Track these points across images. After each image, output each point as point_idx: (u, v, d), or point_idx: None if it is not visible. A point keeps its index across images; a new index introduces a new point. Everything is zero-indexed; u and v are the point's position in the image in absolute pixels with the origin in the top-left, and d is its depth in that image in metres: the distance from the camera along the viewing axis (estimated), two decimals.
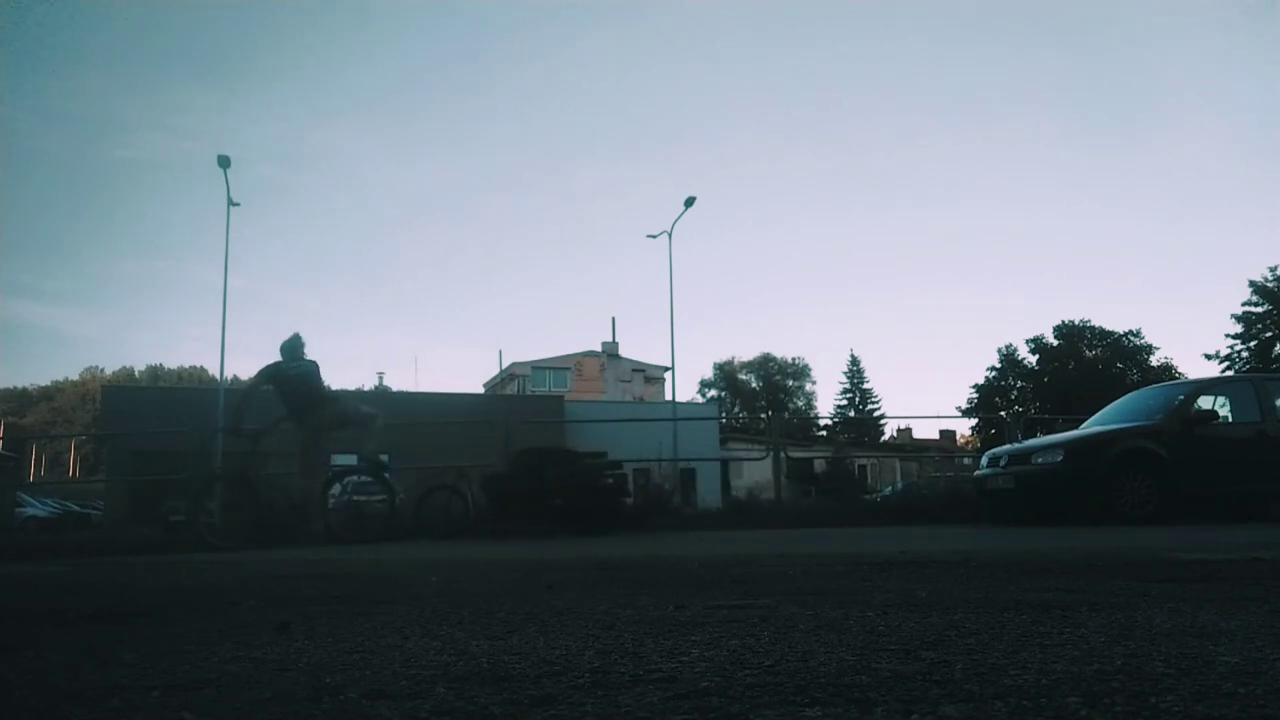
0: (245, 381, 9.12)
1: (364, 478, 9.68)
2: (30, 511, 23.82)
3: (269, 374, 8.44)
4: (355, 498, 9.14)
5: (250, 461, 8.47)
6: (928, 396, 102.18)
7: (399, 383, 55.20)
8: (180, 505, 13.73)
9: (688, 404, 47.11)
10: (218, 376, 23.05)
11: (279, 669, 1.66)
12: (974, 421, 45.69)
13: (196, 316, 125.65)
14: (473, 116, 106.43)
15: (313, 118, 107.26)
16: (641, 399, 47.13)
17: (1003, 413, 32.71)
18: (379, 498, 9.16)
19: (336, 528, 8.48)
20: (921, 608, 2.31)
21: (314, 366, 8.56)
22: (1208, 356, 40.81)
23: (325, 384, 8.65)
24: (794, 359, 75.98)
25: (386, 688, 1.46)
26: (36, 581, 4.47)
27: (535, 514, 9.14)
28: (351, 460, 8.91)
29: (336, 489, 9.07)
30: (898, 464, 44.66)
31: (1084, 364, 45.04)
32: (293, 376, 8.40)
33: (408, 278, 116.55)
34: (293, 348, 8.56)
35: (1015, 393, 47.36)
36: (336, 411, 8.43)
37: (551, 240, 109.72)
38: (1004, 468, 9.10)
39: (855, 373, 69.67)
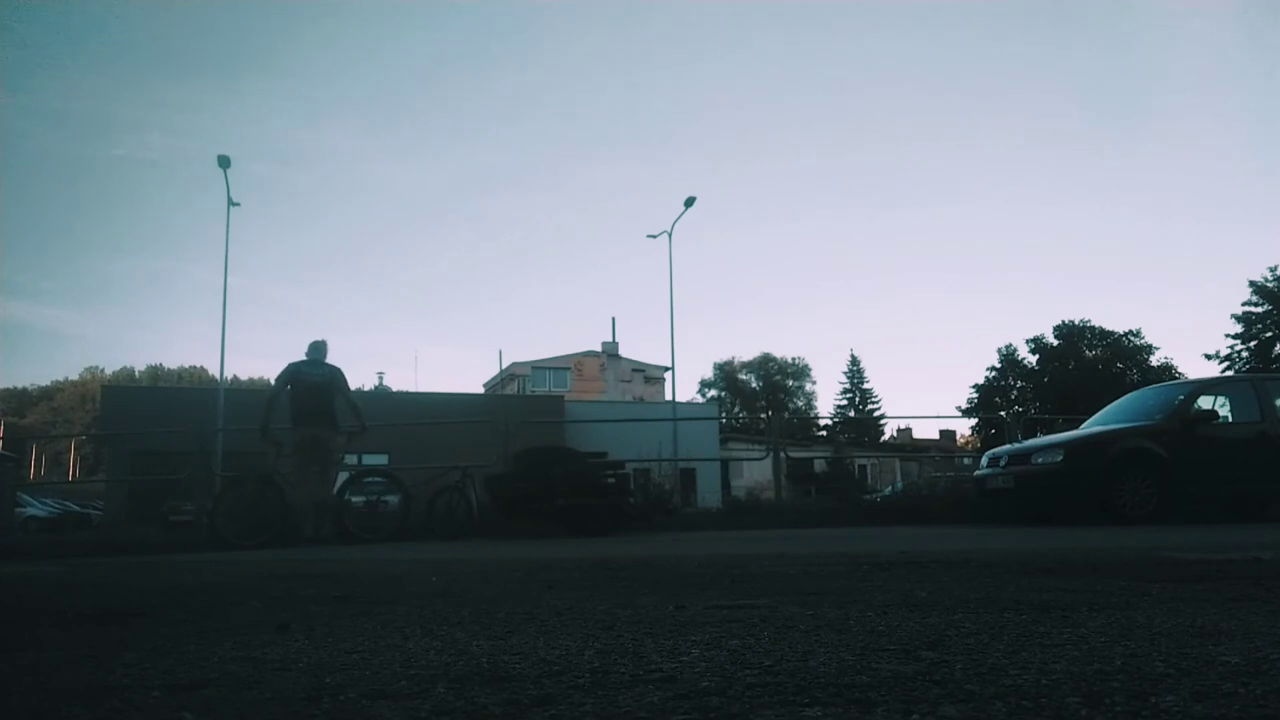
0: (271, 384, 9.17)
1: (378, 478, 9.70)
2: (30, 511, 23.82)
3: (289, 375, 8.49)
4: (370, 498, 9.13)
5: (275, 464, 8.48)
6: (928, 396, 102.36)
7: (399, 383, 55.09)
8: (187, 505, 13.72)
9: (688, 404, 47.11)
10: (218, 376, 23.08)
11: (279, 669, 1.66)
12: (974, 421, 45.62)
13: (196, 316, 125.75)
14: (473, 116, 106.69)
15: (312, 117, 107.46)
16: (641, 399, 47.12)
17: (1003, 413, 32.63)
18: (393, 497, 9.17)
19: (353, 527, 8.50)
20: (921, 608, 2.31)
21: (335, 374, 8.55)
22: (1208, 356, 40.80)
23: (346, 395, 8.62)
24: (794, 359, 76.05)
25: (386, 688, 1.46)
26: (36, 581, 4.47)
27: (537, 514, 9.13)
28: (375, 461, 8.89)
29: (349, 489, 9.07)
30: (898, 464, 44.68)
31: (1084, 364, 44.98)
32: (311, 382, 8.42)
33: (408, 278, 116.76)
34: (315, 349, 8.62)
35: (1015, 393, 47.30)
36: (326, 437, 8.38)
37: (551, 240, 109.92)
38: (1004, 468, 9.09)
39: (855, 373, 69.73)
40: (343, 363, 8.65)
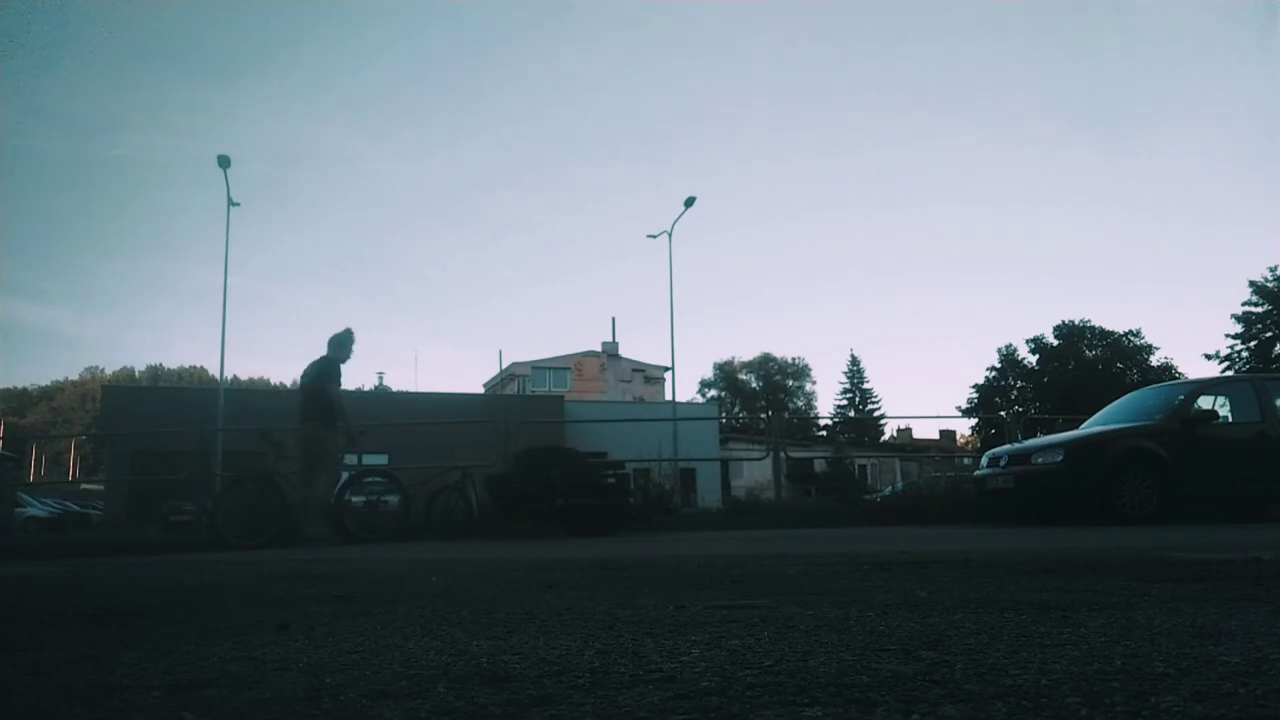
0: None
1: (378, 478, 9.68)
2: (30, 511, 23.81)
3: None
4: (369, 498, 9.12)
5: (275, 464, 8.44)
6: (928, 396, 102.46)
7: (399, 383, 55.10)
8: (187, 505, 13.71)
9: (688, 404, 47.15)
10: (218, 376, 23.08)
11: (279, 669, 1.66)
12: (974, 421, 45.63)
13: (196, 316, 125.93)
14: (473, 116, 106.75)
15: (312, 117, 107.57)
16: (641, 399, 47.12)
17: (1003, 413, 32.63)
18: (393, 497, 9.15)
19: (353, 527, 8.48)
20: (921, 608, 2.31)
21: (319, 367, 8.37)
22: (1208, 356, 40.81)
23: (326, 390, 8.32)
24: (794, 359, 76.08)
25: (386, 688, 1.46)
26: (36, 581, 4.46)
27: (537, 514, 9.12)
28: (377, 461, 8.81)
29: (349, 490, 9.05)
30: (898, 464, 44.69)
31: (1084, 364, 44.99)
32: (305, 380, 8.42)
33: (408, 278, 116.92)
34: (328, 344, 8.47)
35: (1015, 393, 47.31)
36: (322, 435, 8.21)
37: (551, 240, 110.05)
38: (1004, 468, 9.09)
39: (855, 373, 69.76)
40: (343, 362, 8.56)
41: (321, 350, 8.52)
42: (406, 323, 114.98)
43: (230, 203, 20.57)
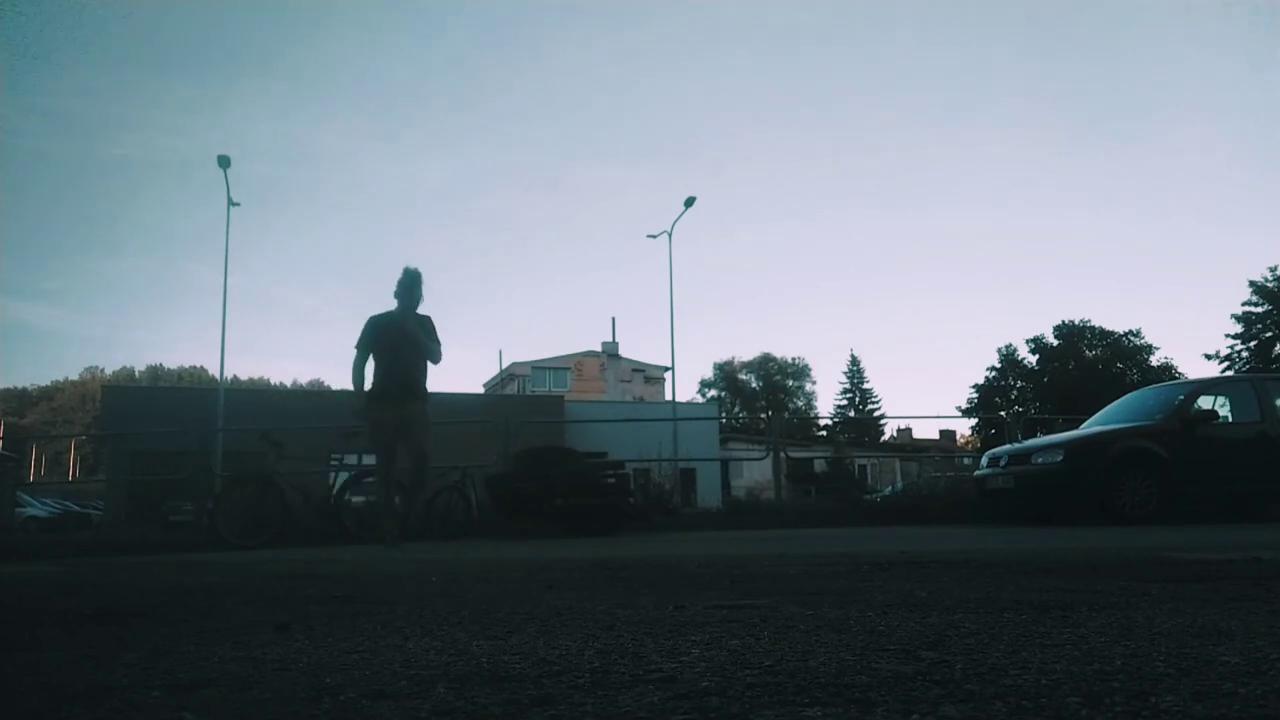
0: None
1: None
2: (30, 511, 23.83)
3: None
4: (370, 498, 9.10)
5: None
6: (928, 396, 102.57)
7: None
8: (187, 505, 13.70)
9: (688, 404, 47.19)
10: (218, 376, 23.09)
11: (279, 669, 1.66)
12: (974, 421, 45.63)
13: (196, 316, 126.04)
14: (473, 116, 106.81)
15: (312, 117, 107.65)
16: (641, 399, 47.12)
17: (1003, 413, 32.62)
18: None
19: (353, 527, 8.46)
20: (921, 608, 2.31)
21: (384, 325, 6.93)
22: (1208, 356, 40.84)
23: (428, 346, 6.93)
24: (794, 359, 76.12)
25: (386, 688, 1.46)
26: (36, 581, 4.46)
27: (536, 514, 9.12)
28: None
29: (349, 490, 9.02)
30: (898, 464, 44.69)
31: (1084, 364, 45.00)
32: (392, 344, 6.98)
33: None
34: (397, 292, 6.91)
35: (1015, 393, 47.32)
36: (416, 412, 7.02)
37: (551, 240, 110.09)
38: (1004, 468, 9.09)
39: (855, 373, 69.80)
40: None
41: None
42: None
43: (230, 203, 20.60)
